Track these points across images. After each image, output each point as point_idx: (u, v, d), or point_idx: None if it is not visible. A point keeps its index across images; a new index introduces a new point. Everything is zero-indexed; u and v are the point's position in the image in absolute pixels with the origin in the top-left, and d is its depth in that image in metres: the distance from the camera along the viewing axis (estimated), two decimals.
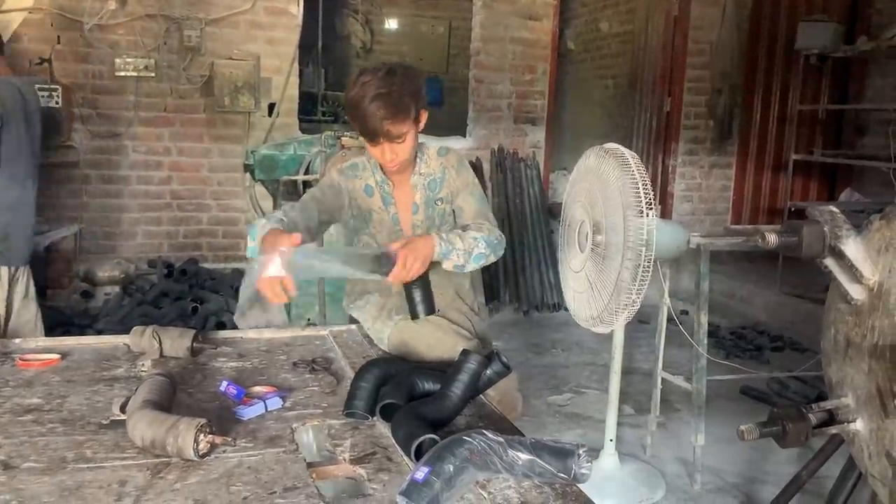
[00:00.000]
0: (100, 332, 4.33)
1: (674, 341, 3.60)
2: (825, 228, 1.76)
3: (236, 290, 5.14)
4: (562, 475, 1.34)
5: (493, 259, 2.15)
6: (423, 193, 2.28)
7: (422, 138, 2.29)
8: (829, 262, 1.78)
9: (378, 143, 2.13)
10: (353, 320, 2.43)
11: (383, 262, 1.93)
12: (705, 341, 3.23)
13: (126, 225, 5.58)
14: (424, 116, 2.17)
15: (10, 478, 1.39)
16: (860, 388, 1.75)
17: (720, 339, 5.17)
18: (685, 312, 4.81)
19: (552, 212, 6.27)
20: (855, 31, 6.60)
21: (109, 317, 4.85)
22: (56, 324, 4.73)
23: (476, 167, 6.03)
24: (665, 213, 6.63)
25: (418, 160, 2.28)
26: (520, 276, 5.83)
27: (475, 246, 2.07)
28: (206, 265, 5.64)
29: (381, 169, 2.28)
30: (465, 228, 2.13)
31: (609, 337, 3.28)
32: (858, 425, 1.77)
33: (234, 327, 4.51)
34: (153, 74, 5.41)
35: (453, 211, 2.29)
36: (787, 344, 5.17)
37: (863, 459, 1.78)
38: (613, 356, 3.26)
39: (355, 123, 2.14)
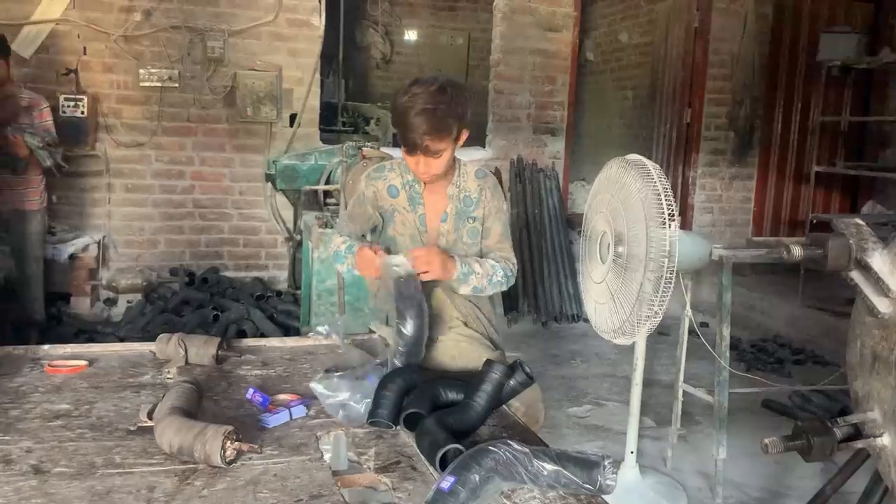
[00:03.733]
0: (122, 340, 4.38)
1: (694, 353, 3.58)
2: (851, 241, 1.75)
3: (257, 299, 5.19)
4: (587, 486, 1.34)
5: (505, 288, 2.31)
6: (456, 206, 2.31)
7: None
8: (855, 276, 1.77)
9: (415, 154, 2.17)
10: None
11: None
12: (727, 354, 3.21)
13: (149, 233, 5.64)
14: (465, 135, 2.22)
15: (42, 482, 1.41)
16: (887, 403, 1.73)
17: (741, 351, 5.13)
18: (705, 325, 4.78)
19: (571, 222, 6.26)
20: (877, 42, 6.56)
21: (131, 324, 4.90)
22: (78, 331, 4.79)
23: (495, 177, 6.06)
24: (685, 225, 6.60)
25: (456, 174, 2.33)
26: (539, 287, 5.82)
27: (494, 273, 2.24)
28: (228, 274, 5.69)
29: None
30: (484, 256, 2.30)
31: (629, 348, 3.27)
32: (885, 440, 1.76)
33: (255, 335, 4.55)
34: (177, 85, 5.47)
35: (480, 231, 2.36)
36: (809, 357, 5.12)
37: (889, 475, 1.77)
38: (635, 368, 3.24)
39: (397, 129, 2.19)
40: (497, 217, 2.34)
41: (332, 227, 4.02)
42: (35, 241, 4.35)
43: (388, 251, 2.17)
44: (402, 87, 2.17)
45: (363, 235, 2.39)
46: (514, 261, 2.35)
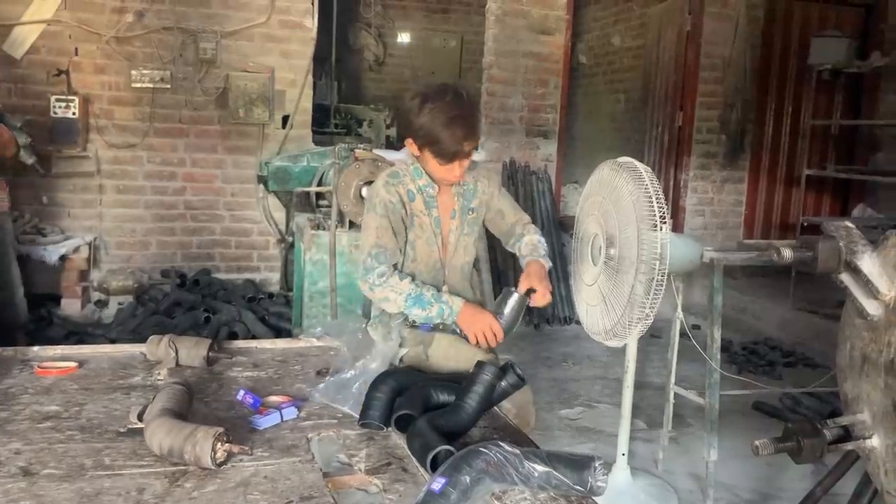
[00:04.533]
0: (113, 341, 4.35)
1: (686, 355, 3.59)
2: (841, 244, 1.76)
3: (249, 300, 5.18)
4: (578, 487, 1.34)
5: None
6: (459, 201, 2.38)
7: None
8: (845, 278, 1.78)
9: (454, 161, 2.22)
10: None
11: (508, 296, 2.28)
12: (718, 356, 3.22)
13: (140, 235, 5.62)
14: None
15: (31, 484, 1.40)
16: (876, 405, 1.74)
17: (732, 353, 5.14)
18: (697, 327, 4.79)
19: (563, 225, 6.27)
20: (868, 46, 6.61)
21: (122, 326, 4.88)
22: (69, 332, 4.77)
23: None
24: (677, 228, 6.62)
25: None
26: None
27: (540, 241, 2.49)
28: (219, 275, 5.67)
29: (425, 174, 2.31)
30: (524, 233, 2.50)
31: (620, 351, 3.27)
32: (875, 442, 1.76)
33: (246, 337, 4.54)
34: (169, 86, 5.46)
35: (488, 217, 2.49)
36: (800, 359, 5.14)
37: (879, 476, 1.77)
38: (626, 370, 3.25)
39: (431, 148, 2.20)
40: (501, 195, 2.49)
41: (324, 229, 4.01)
42: (9, 242, 4.18)
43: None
44: (413, 105, 2.20)
45: (405, 243, 2.31)
46: (528, 217, 2.57)
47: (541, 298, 2.27)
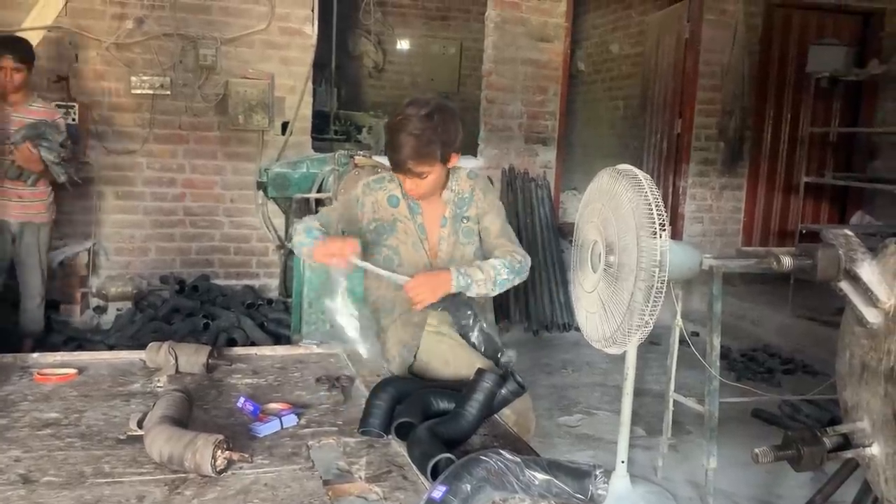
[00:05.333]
0: (111, 348, 4.36)
1: (684, 363, 3.59)
2: (840, 252, 1.77)
3: (248, 307, 5.18)
4: (578, 496, 1.34)
5: (518, 281, 2.30)
6: (452, 209, 2.36)
7: None
8: (844, 286, 1.79)
9: (402, 174, 2.24)
10: None
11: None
12: (718, 363, 3.22)
13: (139, 241, 5.61)
14: (455, 159, 2.28)
15: (30, 492, 1.40)
16: (876, 413, 1.75)
17: (731, 361, 5.14)
18: (695, 334, 4.79)
19: (562, 231, 6.27)
20: (866, 54, 6.63)
21: (121, 332, 4.87)
22: (68, 338, 4.77)
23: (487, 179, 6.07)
24: (675, 235, 6.62)
25: (450, 178, 2.37)
26: (530, 296, 5.82)
27: (497, 273, 2.23)
28: (218, 282, 5.66)
29: None
30: (489, 256, 2.31)
31: (619, 358, 3.27)
32: (875, 450, 1.77)
33: (245, 343, 4.54)
34: (168, 92, 5.46)
35: (479, 231, 2.39)
36: (799, 367, 5.13)
37: (879, 484, 1.77)
38: (626, 377, 3.25)
39: (387, 146, 2.24)
40: (495, 213, 2.38)
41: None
42: (43, 253, 4.38)
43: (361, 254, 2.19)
44: (400, 105, 2.23)
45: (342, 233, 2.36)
46: (522, 252, 2.34)
47: (409, 291, 2.15)
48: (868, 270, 1.74)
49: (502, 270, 2.24)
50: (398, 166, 2.21)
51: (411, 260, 2.33)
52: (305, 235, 2.22)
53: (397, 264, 2.32)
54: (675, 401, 3.49)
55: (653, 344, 5.00)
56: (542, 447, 3.55)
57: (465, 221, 2.36)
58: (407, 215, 2.34)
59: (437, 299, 2.15)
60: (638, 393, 3.50)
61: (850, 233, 1.82)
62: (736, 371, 4.93)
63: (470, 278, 2.19)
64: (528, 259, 2.33)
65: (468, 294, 2.21)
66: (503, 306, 5.64)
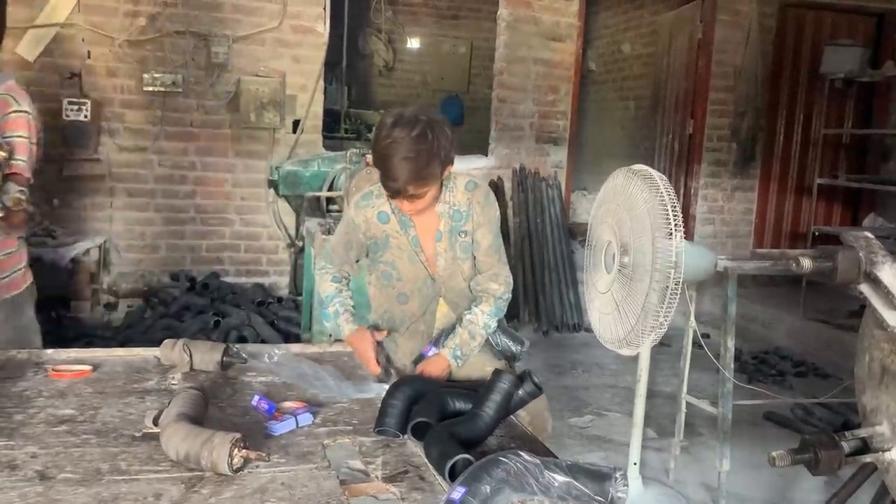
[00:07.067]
0: (122, 344, 4.36)
1: (696, 364, 3.57)
2: (861, 254, 1.75)
3: (258, 304, 5.18)
4: (598, 498, 1.33)
5: (503, 314, 2.33)
6: (447, 222, 2.25)
7: None
8: (865, 289, 1.77)
9: (398, 198, 2.12)
10: None
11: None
12: (732, 365, 3.20)
13: (150, 238, 5.62)
14: (450, 169, 2.16)
15: (48, 488, 1.40)
16: None
17: (742, 363, 5.11)
18: (707, 336, 4.77)
19: (573, 232, 6.26)
20: (880, 56, 6.59)
21: (131, 329, 4.88)
22: (79, 335, 4.77)
23: (497, 186, 6.06)
24: (686, 236, 6.55)
25: (445, 189, 2.23)
26: (540, 296, 5.81)
27: (486, 326, 2.26)
28: (228, 279, 5.67)
29: None
30: (482, 297, 2.28)
31: (630, 359, 3.26)
32: (894, 454, 1.75)
33: (255, 341, 4.54)
34: (180, 90, 5.47)
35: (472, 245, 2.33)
36: (811, 369, 5.10)
37: None
38: (639, 379, 3.23)
39: (380, 172, 2.09)
40: (488, 228, 2.26)
41: (333, 234, 4.00)
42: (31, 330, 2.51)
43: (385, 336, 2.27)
44: (382, 124, 2.07)
45: (357, 261, 2.38)
46: (506, 273, 2.29)
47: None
48: (889, 273, 1.72)
49: (491, 322, 2.27)
50: (397, 193, 2.07)
51: (410, 274, 2.27)
52: (324, 318, 2.31)
53: (396, 279, 2.29)
54: (687, 403, 3.47)
55: (663, 345, 4.96)
56: (553, 448, 3.51)
57: (462, 236, 2.25)
58: (398, 230, 2.25)
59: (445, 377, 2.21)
60: (649, 395, 3.48)
61: (870, 235, 1.80)
62: (747, 373, 4.91)
63: (462, 351, 2.22)
64: (511, 279, 2.31)
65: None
66: (513, 307, 5.63)
